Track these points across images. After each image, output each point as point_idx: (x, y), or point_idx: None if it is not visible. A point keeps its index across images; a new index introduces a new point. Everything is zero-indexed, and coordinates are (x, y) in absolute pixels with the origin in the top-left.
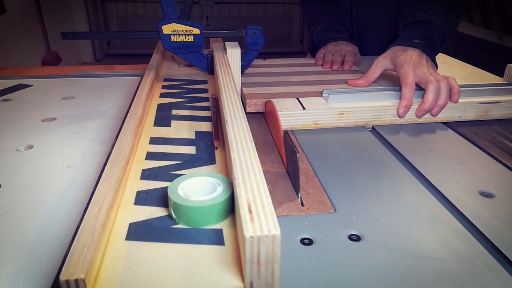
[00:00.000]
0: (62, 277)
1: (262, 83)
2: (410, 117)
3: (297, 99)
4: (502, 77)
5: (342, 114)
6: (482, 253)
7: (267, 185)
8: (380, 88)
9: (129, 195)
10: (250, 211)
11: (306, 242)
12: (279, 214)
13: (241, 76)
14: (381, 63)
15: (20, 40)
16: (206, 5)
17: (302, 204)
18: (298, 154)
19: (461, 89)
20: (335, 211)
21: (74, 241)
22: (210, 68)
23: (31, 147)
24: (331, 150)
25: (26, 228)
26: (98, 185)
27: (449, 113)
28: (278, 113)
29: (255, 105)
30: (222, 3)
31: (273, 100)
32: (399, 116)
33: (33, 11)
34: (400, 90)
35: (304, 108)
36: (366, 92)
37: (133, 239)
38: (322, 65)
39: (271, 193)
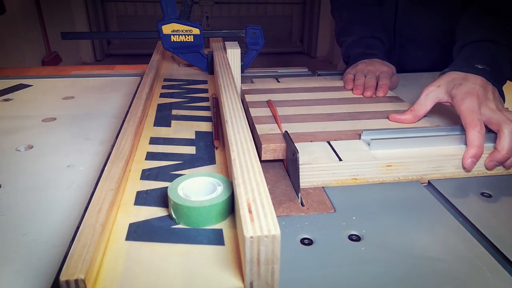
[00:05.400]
0: (62, 277)
1: (279, 117)
2: (478, 168)
3: (328, 143)
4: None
5: (391, 166)
6: (482, 254)
7: (267, 185)
8: (436, 129)
9: (129, 195)
10: (250, 211)
11: (306, 242)
12: (279, 214)
13: (253, 107)
14: (432, 94)
15: (20, 40)
16: (206, 5)
17: (302, 204)
18: (298, 154)
19: None
20: (335, 211)
21: (74, 241)
22: (210, 68)
23: (31, 147)
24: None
25: (26, 228)
26: (98, 185)
27: None
28: (306, 166)
29: (273, 152)
30: (222, 3)
31: (297, 144)
32: (465, 169)
33: (33, 11)
34: (461, 131)
35: (340, 159)
36: (418, 136)
37: (133, 239)
38: (352, 89)
39: (271, 193)
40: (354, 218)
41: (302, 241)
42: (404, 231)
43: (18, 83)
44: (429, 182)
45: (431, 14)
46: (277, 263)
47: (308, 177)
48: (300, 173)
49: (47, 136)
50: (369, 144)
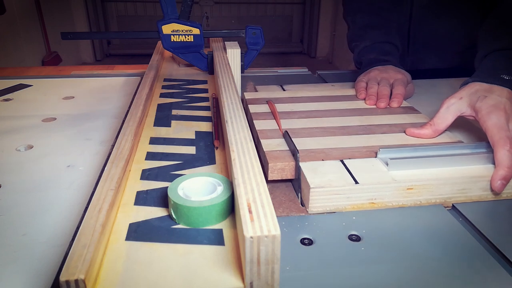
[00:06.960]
0: (62, 278)
1: (283, 130)
2: (507, 191)
3: (342, 162)
4: None
5: (412, 189)
6: (482, 253)
7: (267, 185)
8: (460, 147)
9: (129, 195)
10: (250, 211)
11: (306, 242)
12: (279, 214)
13: (257, 119)
14: (454, 106)
15: (20, 40)
16: (206, 5)
17: (302, 204)
18: (298, 154)
19: None
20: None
21: (74, 241)
22: (210, 68)
23: (31, 147)
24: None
25: (26, 228)
26: (98, 185)
27: None
28: (318, 189)
29: (281, 171)
30: (222, 3)
31: (308, 163)
32: (494, 191)
33: (33, 11)
34: (487, 148)
35: (356, 182)
36: (441, 155)
37: (133, 239)
38: (364, 99)
39: (271, 193)
40: (354, 218)
41: (302, 241)
42: (404, 231)
43: (18, 83)
44: (453, 205)
45: (446, 19)
46: (277, 263)
47: (320, 201)
48: (312, 197)
49: (47, 136)
50: (387, 164)
